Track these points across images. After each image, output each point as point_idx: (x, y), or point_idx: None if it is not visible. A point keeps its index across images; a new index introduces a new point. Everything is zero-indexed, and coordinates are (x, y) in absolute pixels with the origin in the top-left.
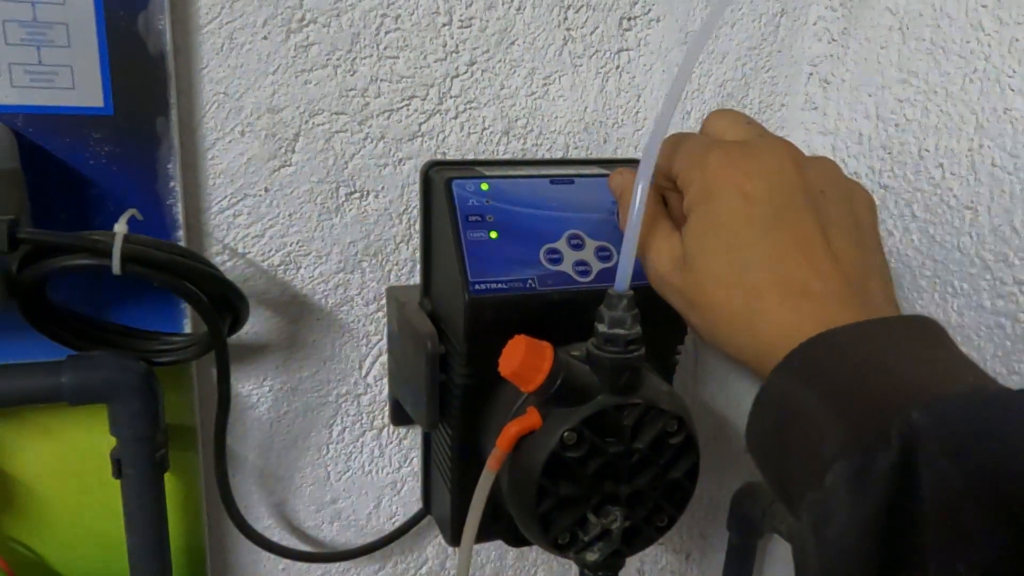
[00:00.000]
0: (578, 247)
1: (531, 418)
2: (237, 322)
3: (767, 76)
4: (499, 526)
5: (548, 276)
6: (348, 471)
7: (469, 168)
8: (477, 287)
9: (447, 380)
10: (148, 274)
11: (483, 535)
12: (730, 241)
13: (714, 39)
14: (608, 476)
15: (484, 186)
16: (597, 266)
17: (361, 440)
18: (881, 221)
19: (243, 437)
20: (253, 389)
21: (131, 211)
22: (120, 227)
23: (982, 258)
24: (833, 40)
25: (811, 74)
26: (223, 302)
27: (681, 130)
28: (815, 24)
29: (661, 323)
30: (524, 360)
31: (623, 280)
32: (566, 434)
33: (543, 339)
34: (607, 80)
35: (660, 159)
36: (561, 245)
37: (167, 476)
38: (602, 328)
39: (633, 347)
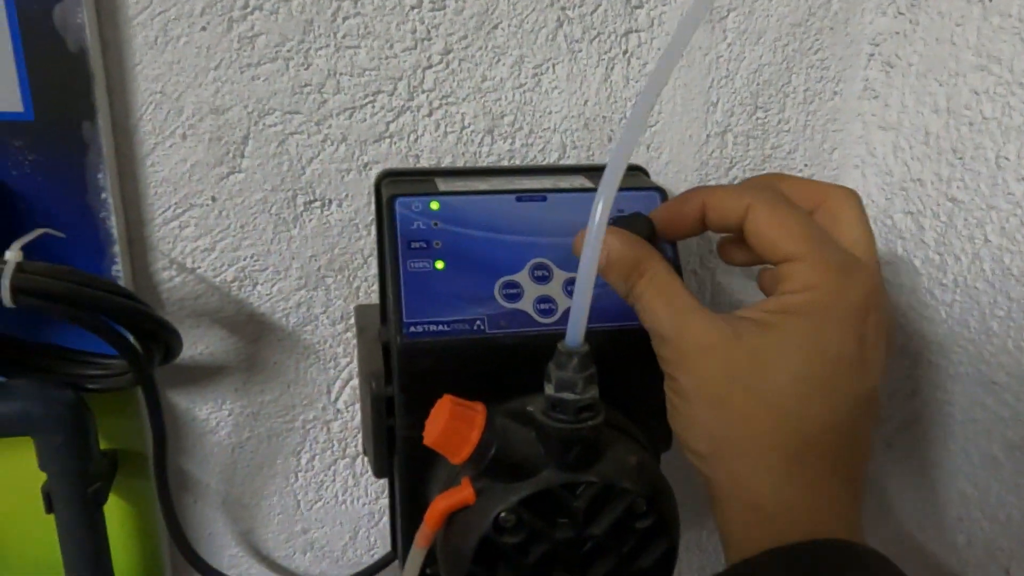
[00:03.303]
0: (543, 280)
1: (463, 492)
2: (170, 353)
3: (816, 58)
4: None
5: (502, 316)
6: (320, 500)
7: (427, 181)
8: (412, 329)
9: (394, 426)
10: (45, 307)
11: None
12: (827, 385)
13: (747, 15)
14: (556, 565)
15: (434, 205)
16: (564, 303)
17: (333, 468)
18: (947, 242)
19: (204, 463)
20: (212, 412)
21: (38, 231)
22: (12, 254)
23: None
24: (900, 14)
25: (872, 55)
26: (148, 334)
27: (703, 125)
28: None
29: (650, 366)
30: (447, 428)
31: (575, 332)
32: (502, 515)
33: (496, 390)
34: (612, 68)
35: (746, 209)
36: (522, 277)
37: (119, 503)
38: (549, 391)
39: (586, 415)
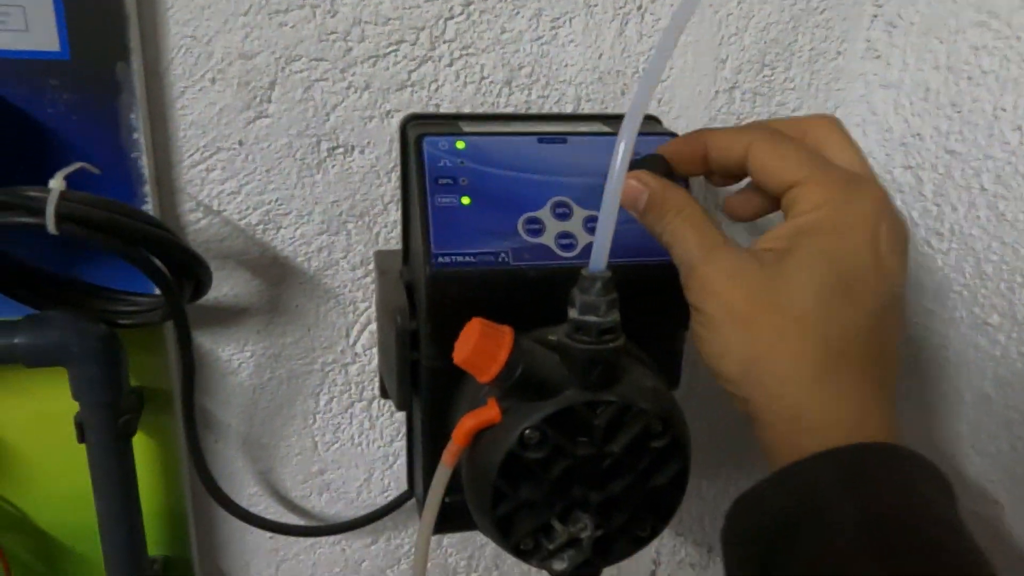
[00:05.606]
0: (564, 216)
1: (489, 411)
2: (200, 289)
3: (821, 18)
4: None
5: (525, 249)
6: (337, 442)
7: (452, 123)
8: (440, 259)
9: (418, 359)
10: (86, 235)
11: (463, 525)
12: (847, 293)
13: None
14: (576, 480)
15: (460, 144)
16: (584, 239)
17: (350, 411)
18: (944, 193)
19: (225, 403)
20: (234, 354)
21: (77, 165)
22: (56, 183)
23: None
24: None
25: (875, 16)
26: (180, 268)
27: (712, 81)
28: None
29: (662, 303)
30: (477, 347)
31: (599, 259)
32: (527, 432)
33: (518, 321)
34: (626, 23)
35: (747, 147)
36: (544, 214)
37: (143, 439)
38: (573, 314)
39: (608, 337)
